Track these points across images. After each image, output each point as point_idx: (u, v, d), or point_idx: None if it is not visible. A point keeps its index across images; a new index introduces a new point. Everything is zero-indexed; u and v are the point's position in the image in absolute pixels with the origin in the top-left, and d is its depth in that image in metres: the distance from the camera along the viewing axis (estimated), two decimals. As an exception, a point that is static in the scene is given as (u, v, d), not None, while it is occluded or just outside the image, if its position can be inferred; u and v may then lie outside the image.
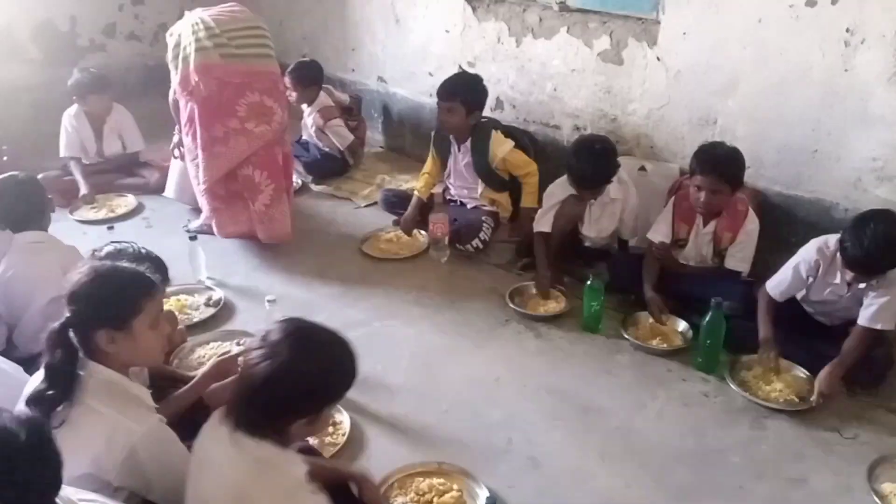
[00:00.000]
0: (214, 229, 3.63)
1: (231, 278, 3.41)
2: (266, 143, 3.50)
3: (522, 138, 3.74)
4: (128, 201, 4.22)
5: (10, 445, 1.20)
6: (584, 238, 3.36)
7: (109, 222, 3.94)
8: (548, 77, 3.96)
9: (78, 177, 4.22)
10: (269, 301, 2.83)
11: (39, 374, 1.82)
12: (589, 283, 2.95)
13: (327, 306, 3.21)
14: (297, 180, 4.27)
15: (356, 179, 4.49)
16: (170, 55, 3.51)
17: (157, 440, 1.79)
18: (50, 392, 1.70)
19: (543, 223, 3.32)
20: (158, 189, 4.17)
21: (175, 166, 3.98)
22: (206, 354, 2.81)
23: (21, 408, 1.78)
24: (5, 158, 3.78)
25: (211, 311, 3.14)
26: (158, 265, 2.19)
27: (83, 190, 4.17)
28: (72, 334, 1.74)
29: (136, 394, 1.84)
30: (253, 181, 3.51)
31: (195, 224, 3.73)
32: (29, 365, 2.34)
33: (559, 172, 3.35)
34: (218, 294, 3.24)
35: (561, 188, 3.31)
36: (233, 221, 3.60)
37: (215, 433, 1.62)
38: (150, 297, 1.84)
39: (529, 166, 3.56)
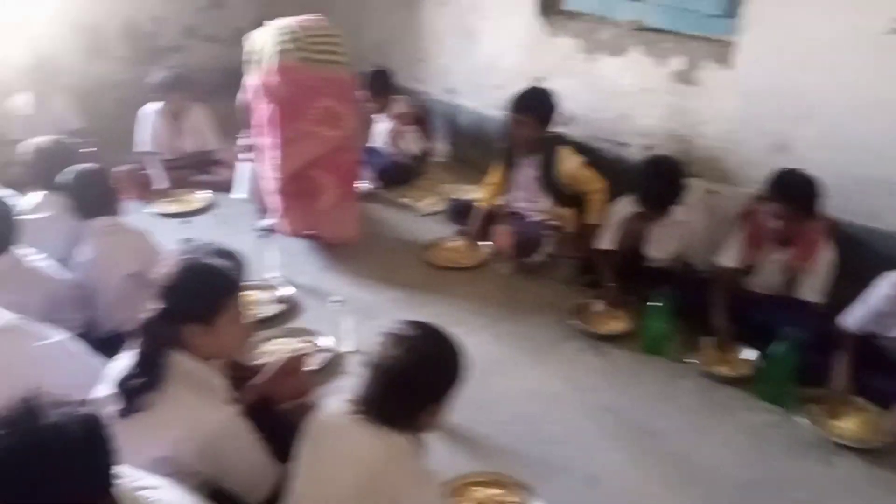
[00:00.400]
0: (283, 228, 3.74)
1: (298, 277, 3.49)
2: (335, 147, 3.62)
3: (590, 155, 3.74)
4: (201, 197, 4.36)
5: (63, 441, 1.22)
6: (648, 258, 3.33)
7: (184, 216, 4.11)
8: (618, 95, 3.95)
9: (155, 171, 4.38)
10: (335, 301, 2.89)
11: (124, 359, 1.90)
12: (653, 304, 2.93)
13: (390, 310, 3.25)
14: (364, 185, 4.35)
15: (421, 188, 4.55)
16: (247, 59, 3.64)
17: (232, 431, 1.87)
18: (140, 379, 1.79)
19: (605, 240, 3.32)
20: (230, 187, 4.30)
21: (244, 167, 4.10)
22: (272, 350, 2.89)
23: (102, 391, 1.87)
24: (93, 149, 3.93)
25: (278, 307, 3.22)
26: (240, 263, 2.25)
27: (159, 184, 4.33)
28: (161, 325, 1.83)
29: (216, 385, 1.92)
30: (320, 183, 3.64)
31: (265, 222, 3.83)
32: (107, 345, 2.46)
33: (626, 191, 3.34)
34: (285, 291, 3.32)
35: (625, 206, 3.30)
36: (301, 221, 3.71)
37: (336, 420, 1.73)
38: (236, 295, 1.92)
39: (597, 183, 3.55)
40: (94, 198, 2.84)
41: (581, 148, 3.72)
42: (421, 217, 4.24)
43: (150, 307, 1.84)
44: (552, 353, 3.01)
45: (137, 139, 4.50)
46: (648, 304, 2.95)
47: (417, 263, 3.72)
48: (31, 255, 2.70)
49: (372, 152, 4.61)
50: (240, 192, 4.18)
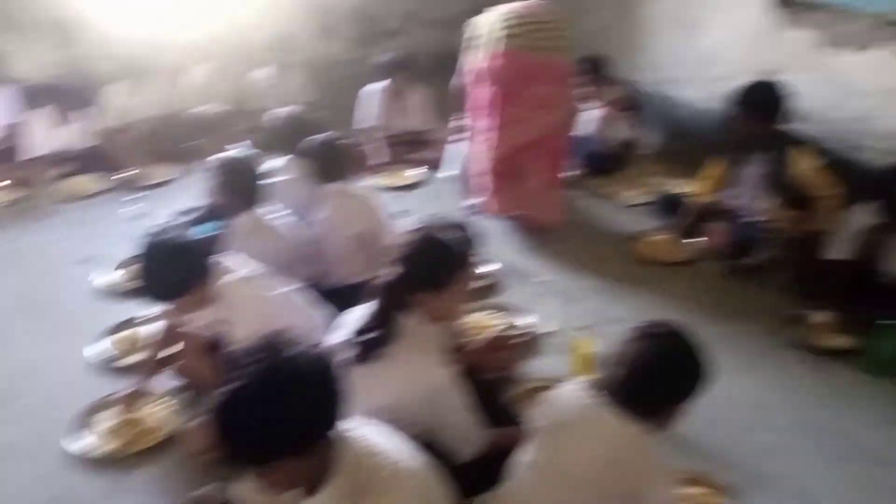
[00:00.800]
0: (490, 207, 3.85)
1: (500, 256, 3.56)
2: (547, 132, 3.68)
3: (821, 156, 3.46)
4: (414, 173, 4.58)
5: (300, 375, 1.37)
6: (884, 273, 3.03)
7: (398, 191, 4.35)
8: (858, 94, 3.63)
9: (373, 146, 4.67)
10: (541, 281, 2.93)
11: (357, 312, 2.08)
12: (885, 322, 2.68)
13: (589, 298, 3.27)
14: (571, 172, 4.34)
15: (627, 179, 4.46)
16: (468, 43, 3.76)
17: (449, 390, 1.97)
18: (376, 333, 1.95)
19: (837, 249, 3.06)
20: (440, 165, 4.47)
21: (455, 147, 4.25)
22: (475, 322, 2.98)
23: (336, 339, 2.05)
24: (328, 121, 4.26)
25: (482, 282, 3.30)
26: (472, 236, 2.35)
27: (378, 158, 4.61)
28: (398, 289, 1.97)
29: (438, 346, 2.03)
30: (530, 166, 3.72)
31: (472, 201, 3.96)
32: (332, 297, 2.69)
33: (858, 197, 3.07)
34: (490, 267, 3.41)
35: (864, 215, 3.02)
36: (508, 202, 3.80)
37: (579, 401, 1.80)
38: (467, 266, 2.04)
39: (831, 188, 3.28)
40: (332, 164, 3.11)
41: (813, 148, 3.45)
42: (625, 208, 4.17)
43: (389, 271, 1.99)
44: (765, 362, 2.85)
45: (358, 116, 4.81)
46: (879, 322, 2.70)
47: (619, 255, 3.66)
48: (273, 214, 3.01)
49: (581, 140, 4.58)
50: (449, 171, 4.34)
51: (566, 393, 1.88)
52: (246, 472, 1.61)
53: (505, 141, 3.64)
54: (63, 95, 4.43)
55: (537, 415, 1.90)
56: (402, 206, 3.86)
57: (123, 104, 4.71)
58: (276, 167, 3.30)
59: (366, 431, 1.58)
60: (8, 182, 4.37)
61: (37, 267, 3.67)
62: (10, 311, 3.29)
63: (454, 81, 3.99)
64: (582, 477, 1.71)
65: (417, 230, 2.06)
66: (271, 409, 1.32)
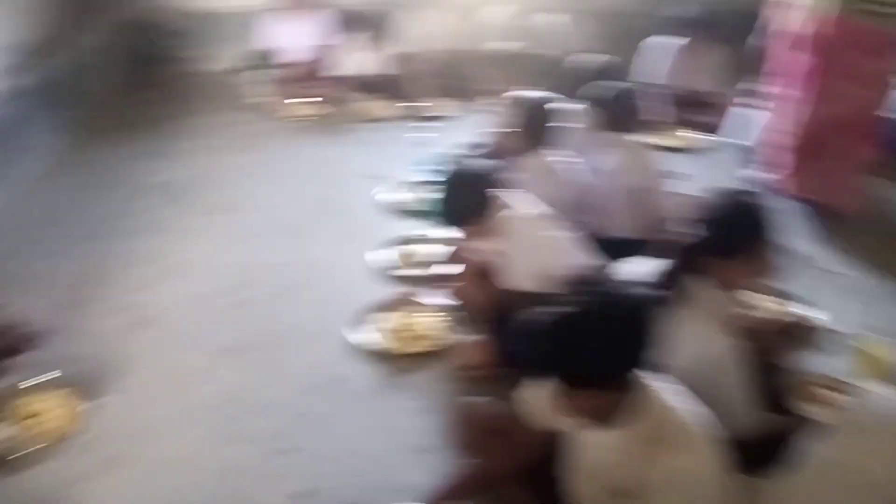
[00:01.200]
0: (787, 186, 3.57)
1: (791, 240, 3.27)
2: (862, 108, 3.32)
3: None
4: (691, 136, 4.39)
5: (621, 310, 1.43)
6: None
7: (671, 152, 4.19)
8: None
9: (657, 103, 4.51)
10: (830, 273, 2.69)
11: (634, 266, 2.10)
12: None
13: (887, 300, 2.94)
14: (879, 156, 3.86)
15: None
16: (779, 1, 3.47)
17: (730, 361, 1.92)
18: (666, 293, 1.92)
19: None
20: (718, 130, 4.22)
21: (740, 113, 3.97)
22: (753, 301, 2.78)
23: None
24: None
25: (771, 261, 3.10)
26: (773, 209, 2.22)
27: (658, 116, 4.44)
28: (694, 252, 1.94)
29: (725, 315, 1.97)
30: (834, 146, 3.38)
31: (763, 175, 3.69)
32: (605, 247, 2.69)
33: None
34: (779, 250, 3.18)
35: None
36: (809, 183, 3.50)
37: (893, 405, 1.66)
38: (767, 240, 1.97)
39: None
40: (622, 116, 3.08)
41: None
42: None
43: (688, 231, 1.95)
44: None
45: (638, 68, 4.64)
46: None
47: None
48: (561, 158, 3.04)
49: (894, 121, 4.06)
50: (734, 137, 4.09)
51: (876, 395, 1.72)
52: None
53: (817, 117, 3.34)
54: (372, 23, 4.82)
55: (838, 412, 1.76)
56: (676, 167, 3.71)
57: (420, 34, 4.99)
58: (570, 112, 3.32)
59: (670, 386, 1.60)
60: (320, 98, 4.88)
61: (332, 177, 4.09)
62: (309, 213, 3.72)
63: (753, 42, 3.71)
64: (888, 486, 1.57)
65: (725, 194, 2.00)
66: (598, 339, 1.40)
